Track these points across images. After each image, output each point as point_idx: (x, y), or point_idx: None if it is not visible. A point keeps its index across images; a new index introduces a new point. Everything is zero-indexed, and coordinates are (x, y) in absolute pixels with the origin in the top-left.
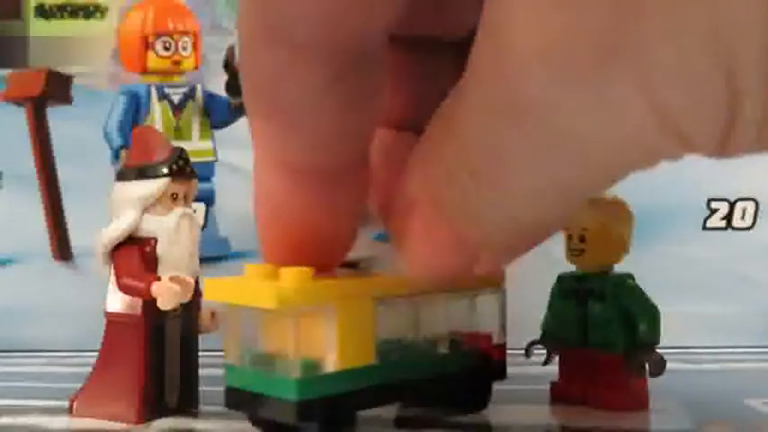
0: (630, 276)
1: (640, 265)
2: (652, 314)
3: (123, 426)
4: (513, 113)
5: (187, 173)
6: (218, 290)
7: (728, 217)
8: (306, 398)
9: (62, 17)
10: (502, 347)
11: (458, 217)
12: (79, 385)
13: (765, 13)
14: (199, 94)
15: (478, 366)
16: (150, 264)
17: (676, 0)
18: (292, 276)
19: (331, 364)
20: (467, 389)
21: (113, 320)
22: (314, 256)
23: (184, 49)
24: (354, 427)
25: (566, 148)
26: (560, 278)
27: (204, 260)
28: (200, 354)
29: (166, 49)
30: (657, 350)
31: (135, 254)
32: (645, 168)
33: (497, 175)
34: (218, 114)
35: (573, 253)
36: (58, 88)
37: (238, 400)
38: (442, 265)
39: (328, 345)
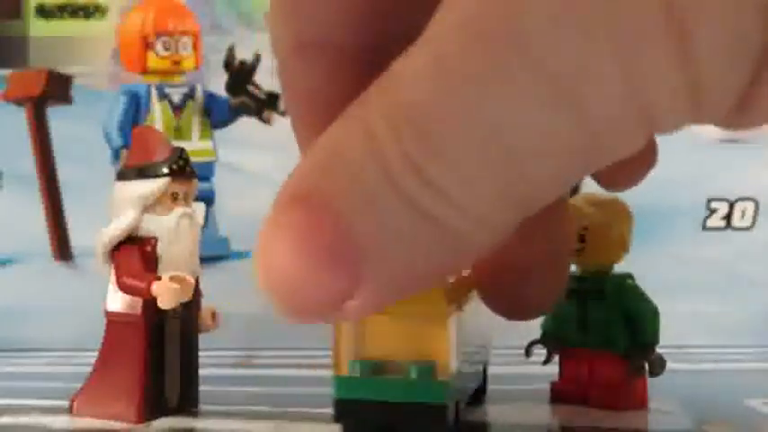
0: (630, 276)
1: (640, 265)
2: (652, 314)
3: (123, 425)
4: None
5: (187, 172)
6: None
7: (728, 217)
8: (448, 402)
9: (62, 17)
10: None
11: (353, 214)
12: (79, 385)
13: None
14: (199, 94)
15: None
16: (150, 263)
17: None
18: None
19: (452, 367)
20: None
21: (113, 320)
22: None
23: (184, 49)
24: None
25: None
26: None
27: (204, 260)
28: (200, 354)
29: (166, 49)
30: (657, 350)
31: (135, 253)
32: (613, 157)
33: (444, 158)
34: (218, 114)
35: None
36: (58, 88)
37: (358, 410)
38: (306, 289)
39: (450, 347)
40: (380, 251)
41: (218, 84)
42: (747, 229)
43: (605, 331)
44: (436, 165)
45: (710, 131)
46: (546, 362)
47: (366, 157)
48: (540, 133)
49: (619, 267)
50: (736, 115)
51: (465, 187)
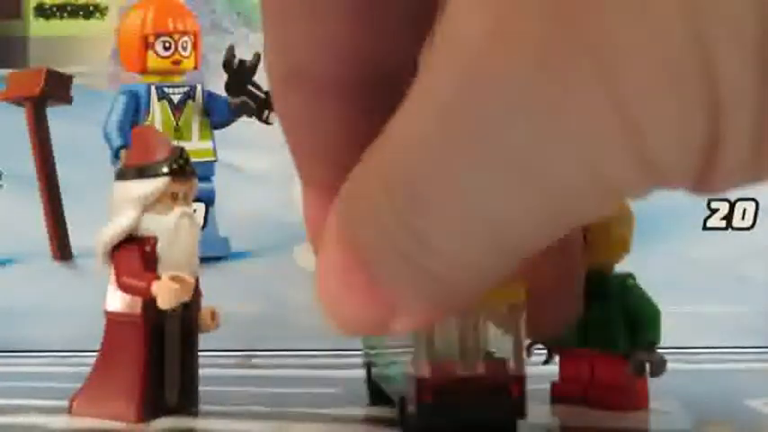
0: (631, 276)
1: (640, 265)
2: (653, 314)
3: (123, 425)
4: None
5: (187, 172)
6: None
7: (728, 217)
8: None
9: (62, 17)
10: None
11: (375, 263)
12: (79, 385)
13: (753, 8)
14: (199, 94)
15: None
16: (150, 263)
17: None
18: None
19: None
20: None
21: (113, 320)
22: None
23: (184, 49)
24: None
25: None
26: None
27: (204, 260)
28: (200, 354)
29: (166, 48)
30: (658, 350)
31: (135, 253)
32: (588, 218)
33: (430, 218)
34: (218, 114)
35: None
36: (57, 88)
37: None
38: (353, 316)
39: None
40: (401, 293)
41: (218, 84)
42: (747, 229)
43: (606, 331)
44: (425, 222)
45: None
46: (546, 362)
47: (365, 215)
48: (510, 202)
49: (619, 267)
50: (700, 180)
51: (451, 242)
